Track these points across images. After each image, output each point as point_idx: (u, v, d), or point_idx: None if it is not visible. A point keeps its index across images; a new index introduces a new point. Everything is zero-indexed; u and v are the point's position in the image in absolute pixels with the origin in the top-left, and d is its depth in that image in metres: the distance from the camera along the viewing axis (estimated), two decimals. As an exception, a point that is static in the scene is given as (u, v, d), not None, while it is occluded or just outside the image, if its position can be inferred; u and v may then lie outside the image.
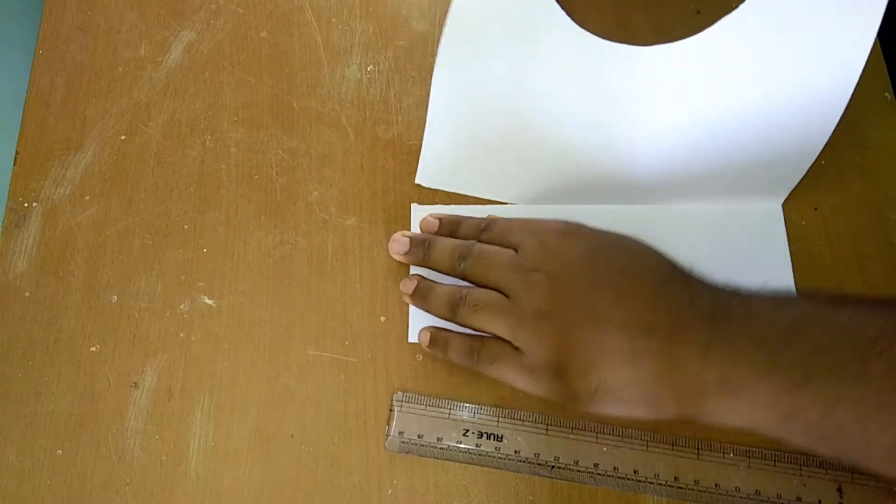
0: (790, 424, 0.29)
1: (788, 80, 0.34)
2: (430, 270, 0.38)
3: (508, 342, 0.34)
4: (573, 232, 0.34)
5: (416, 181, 0.41)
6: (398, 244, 0.39)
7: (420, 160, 0.40)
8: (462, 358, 0.35)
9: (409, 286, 0.38)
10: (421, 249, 0.38)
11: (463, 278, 0.36)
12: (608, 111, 0.36)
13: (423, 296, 0.37)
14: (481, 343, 0.35)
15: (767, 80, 0.35)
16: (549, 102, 0.37)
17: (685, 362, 0.30)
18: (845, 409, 0.28)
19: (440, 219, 0.39)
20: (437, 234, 0.39)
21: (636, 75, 0.35)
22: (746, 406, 0.30)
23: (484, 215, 0.39)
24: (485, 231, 0.37)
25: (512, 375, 0.34)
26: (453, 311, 0.35)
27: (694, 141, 0.37)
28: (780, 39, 0.34)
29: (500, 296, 0.34)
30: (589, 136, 0.37)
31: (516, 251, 0.35)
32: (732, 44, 0.34)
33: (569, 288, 0.32)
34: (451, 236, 0.38)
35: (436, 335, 0.37)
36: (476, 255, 0.36)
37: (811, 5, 0.32)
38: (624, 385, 0.31)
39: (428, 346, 0.37)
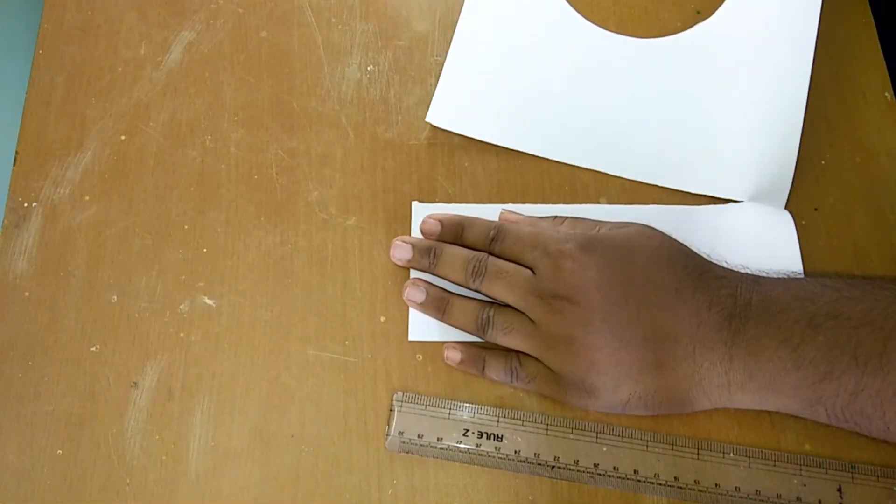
0: (815, 409, 0.32)
1: (754, 78, 0.41)
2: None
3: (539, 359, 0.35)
4: (587, 248, 0.34)
5: (427, 119, 0.41)
6: (401, 250, 0.38)
7: (434, 97, 0.42)
8: (500, 377, 0.36)
9: (417, 295, 0.37)
10: (426, 258, 0.37)
11: (477, 292, 0.37)
12: (606, 92, 0.42)
13: (439, 308, 0.37)
14: (519, 363, 0.36)
15: (737, 77, 0.42)
16: (555, 79, 0.43)
17: (711, 364, 0.32)
18: (867, 397, 0.30)
19: (441, 221, 0.38)
20: (440, 238, 0.38)
21: (631, 63, 0.43)
22: (773, 397, 0.32)
23: (484, 215, 0.39)
24: (495, 242, 0.37)
25: (548, 392, 0.35)
26: (482, 330, 0.36)
27: (680, 124, 0.41)
28: (743, 45, 0.42)
29: (527, 318, 0.35)
30: (590, 108, 0.42)
31: (532, 270, 0.35)
32: (710, 43, 0.43)
33: (589, 311, 0.33)
34: (456, 241, 0.38)
35: (469, 355, 0.36)
36: (492, 273, 0.36)
37: (761, 22, 0.42)
38: (654, 392, 0.33)
39: (459, 365, 0.36)
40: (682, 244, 0.35)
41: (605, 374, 0.33)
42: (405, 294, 0.38)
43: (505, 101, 0.42)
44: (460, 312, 0.37)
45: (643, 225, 0.36)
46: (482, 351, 0.36)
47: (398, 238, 0.39)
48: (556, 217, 0.39)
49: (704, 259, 0.35)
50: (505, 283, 0.35)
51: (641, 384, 0.33)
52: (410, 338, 0.37)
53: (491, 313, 0.36)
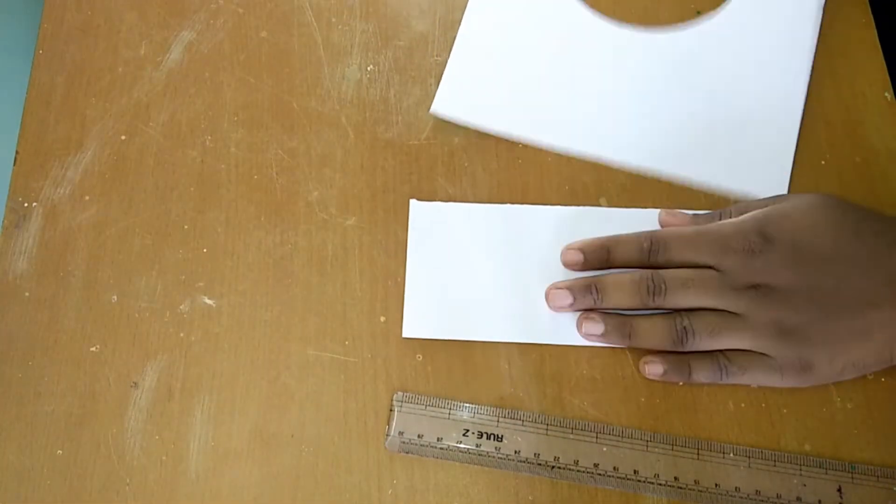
0: None
1: (756, 74, 0.43)
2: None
3: (749, 350, 0.35)
4: (768, 236, 0.34)
5: (432, 110, 0.42)
6: (559, 298, 0.37)
7: (440, 85, 0.42)
8: (710, 378, 0.35)
9: (596, 328, 0.36)
10: (589, 296, 0.36)
11: (659, 308, 0.36)
12: (611, 83, 0.43)
13: (623, 334, 0.36)
14: (727, 359, 0.35)
15: (739, 72, 0.43)
16: (560, 69, 0.43)
17: None
18: None
19: (582, 249, 0.37)
20: (584, 268, 0.37)
21: (636, 54, 0.44)
22: None
23: (501, 213, 0.39)
24: (655, 254, 0.36)
25: (761, 379, 0.36)
26: (680, 342, 0.35)
27: (684, 116, 0.42)
28: (747, 41, 0.43)
29: (730, 315, 0.35)
30: (594, 98, 0.43)
31: (713, 269, 0.35)
32: (714, 38, 0.44)
33: (790, 293, 0.34)
34: (603, 266, 0.37)
35: (673, 365, 0.36)
36: (675, 285, 0.35)
37: (763, 20, 0.44)
38: (864, 357, 0.35)
39: (663, 377, 0.36)
40: (861, 208, 0.36)
41: (820, 349, 0.34)
42: (582, 330, 0.37)
43: (509, 92, 0.43)
44: (649, 332, 0.36)
45: (819, 195, 0.36)
46: (686, 357, 0.36)
47: (549, 287, 0.37)
48: (710, 213, 0.39)
49: (886, 217, 0.36)
50: (696, 290, 0.35)
51: (854, 352, 0.34)
52: (405, 335, 0.37)
53: (686, 323, 0.35)
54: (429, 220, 0.40)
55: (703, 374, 0.35)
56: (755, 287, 0.34)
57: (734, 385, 0.36)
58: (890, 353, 0.34)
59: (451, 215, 0.40)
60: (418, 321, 0.38)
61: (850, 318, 0.34)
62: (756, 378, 0.35)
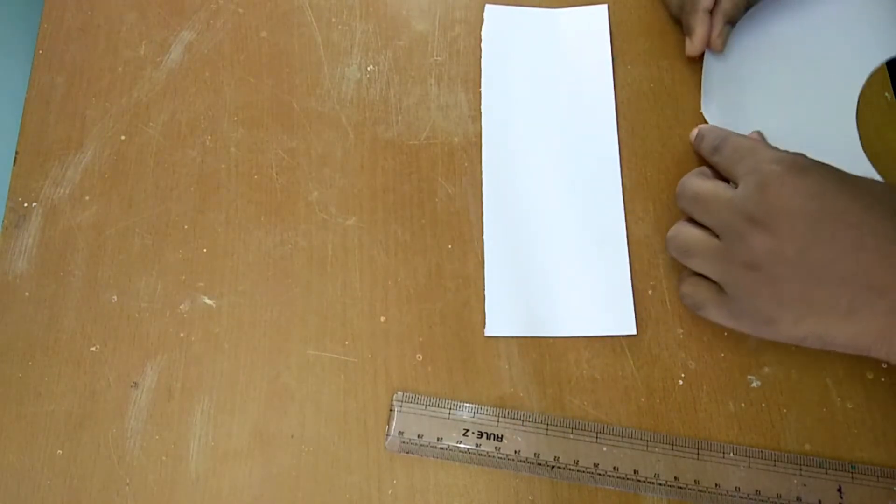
0: None
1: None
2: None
3: (716, 284, 0.34)
4: (801, 172, 0.31)
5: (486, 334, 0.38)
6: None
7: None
8: (687, 298, 0.36)
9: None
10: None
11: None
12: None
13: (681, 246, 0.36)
14: (693, 288, 0.35)
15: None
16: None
17: None
18: None
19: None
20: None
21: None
22: None
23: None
24: (716, 152, 0.36)
25: (717, 318, 0.35)
26: (668, 244, 0.36)
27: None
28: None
29: (711, 239, 0.34)
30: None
31: (737, 186, 0.33)
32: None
33: (785, 242, 0.31)
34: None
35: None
36: (689, 196, 0.35)
37: None
38: (836, 335, 0.31)
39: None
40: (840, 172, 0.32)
41: (788, 309, 0.32)
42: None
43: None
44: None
45: (789, 156, 0.33)
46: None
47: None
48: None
49: (878, 183, 0.33)
50: (703, 205, 0.34)
51: (824, 326, 0.31)
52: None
53: (673, 233, 0.36)
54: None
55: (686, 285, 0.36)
56: (752, 221, 0.32)
57: (734, 385, 0.36)
58: (872, 346, 0.31)
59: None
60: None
61: (837, 291, 0.30)
62: (710, 316, 0.35)
